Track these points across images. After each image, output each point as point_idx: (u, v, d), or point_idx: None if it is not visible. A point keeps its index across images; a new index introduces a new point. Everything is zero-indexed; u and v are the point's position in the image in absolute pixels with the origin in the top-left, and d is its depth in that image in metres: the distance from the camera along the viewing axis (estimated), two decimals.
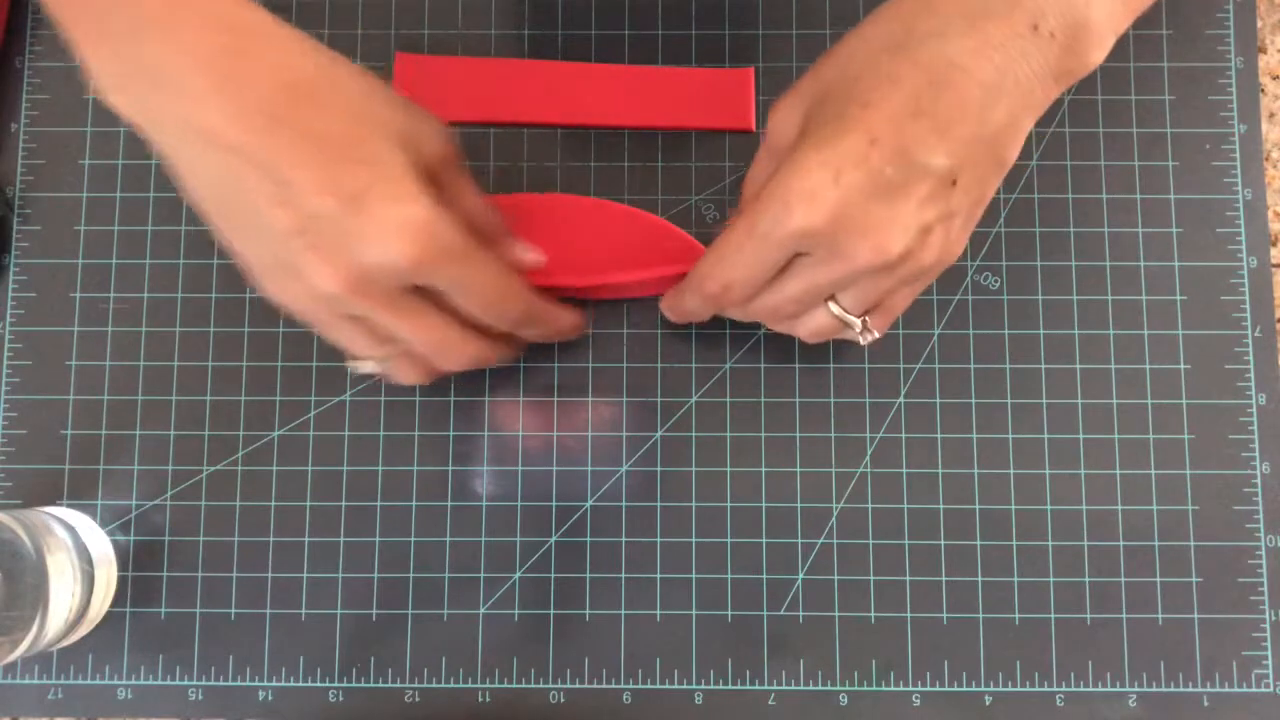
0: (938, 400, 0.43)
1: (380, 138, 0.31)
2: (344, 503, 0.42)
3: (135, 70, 0.30)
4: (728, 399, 0.43)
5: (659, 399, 0.43)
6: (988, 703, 0.41)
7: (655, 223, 0.42)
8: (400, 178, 0.31)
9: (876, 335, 0.36)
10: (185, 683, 0.42)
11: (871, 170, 0.30)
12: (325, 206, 0.30)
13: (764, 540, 0.42)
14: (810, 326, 0.36)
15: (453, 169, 0.34)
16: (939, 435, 0.43)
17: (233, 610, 0.42)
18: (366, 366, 0.36)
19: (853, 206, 0.30)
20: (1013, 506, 0.42)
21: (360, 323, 0.34)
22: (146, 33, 0.29)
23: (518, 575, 0.42)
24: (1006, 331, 0.43)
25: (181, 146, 0.31)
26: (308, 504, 0.42)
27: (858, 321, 0.35)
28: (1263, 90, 0.44)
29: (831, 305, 0.35)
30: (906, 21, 0.31)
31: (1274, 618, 0.41)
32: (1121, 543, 0.42)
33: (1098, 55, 0.32)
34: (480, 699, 0.41)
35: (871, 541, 0.42)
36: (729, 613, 0.42)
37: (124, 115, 0.31)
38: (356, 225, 0.30)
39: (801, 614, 0.42)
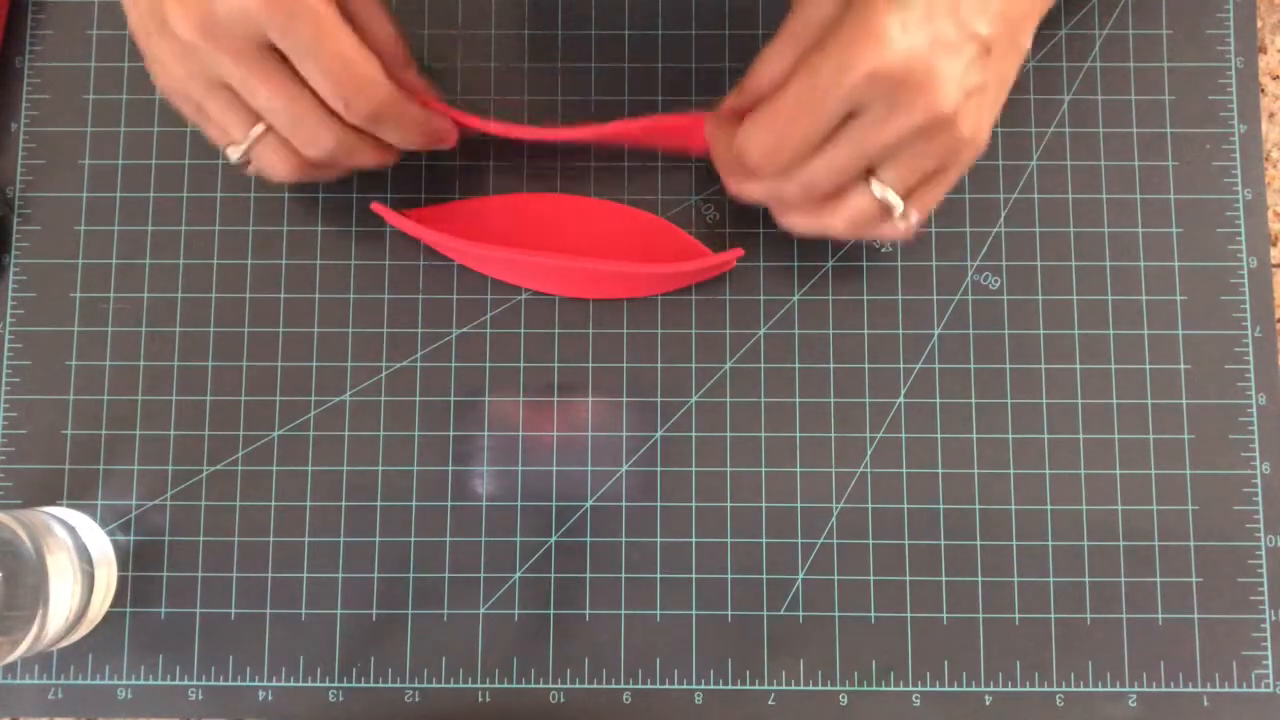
0: (938, 400, 0.43)
1: None
2: (344, 503, 0.42)
3: None
4: (728, 399, 0.43)
5: (659, 399, 0.43)
6: (988, 703, 0.41)
7: (654, 221, 0.43)
8: None
9: (916, 218, 0.36)
10: (185, 683, 0.42)
11: (934, 26, 0.32)
12: None
13: (764, 540, 0.42)
14: (848, 213, 0.36)
15: None
16: (939, 435, 0.43)
17: (233, 610, 0.42)
18: (235, 152, 0.37)
19: (916, 56, 0.32)
20: (1013, 506, 0.42)
21: (225, 92, 0.35)
22: None
23: (518, 575, 0.42)
24: (1006, 331, 0.43)
25: None
26: (308, 504, 0.42)
27: (899, 201, 0.35)
28: (1263, 90, 0.44)
29: (874, 184, 0.35)
30: None
31: (1274, 618, 0.41)
32: (1121, 543, 0.42)
33: None
34: (480, 699, 0.41)
35: (871, 541, 0.42)
36: (729, 613, 0.42)
37: None
38: None
39: (801, 614, 0.42)
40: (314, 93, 0.35)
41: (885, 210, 0.36)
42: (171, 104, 0.37)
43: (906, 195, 0.36)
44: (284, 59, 0.34)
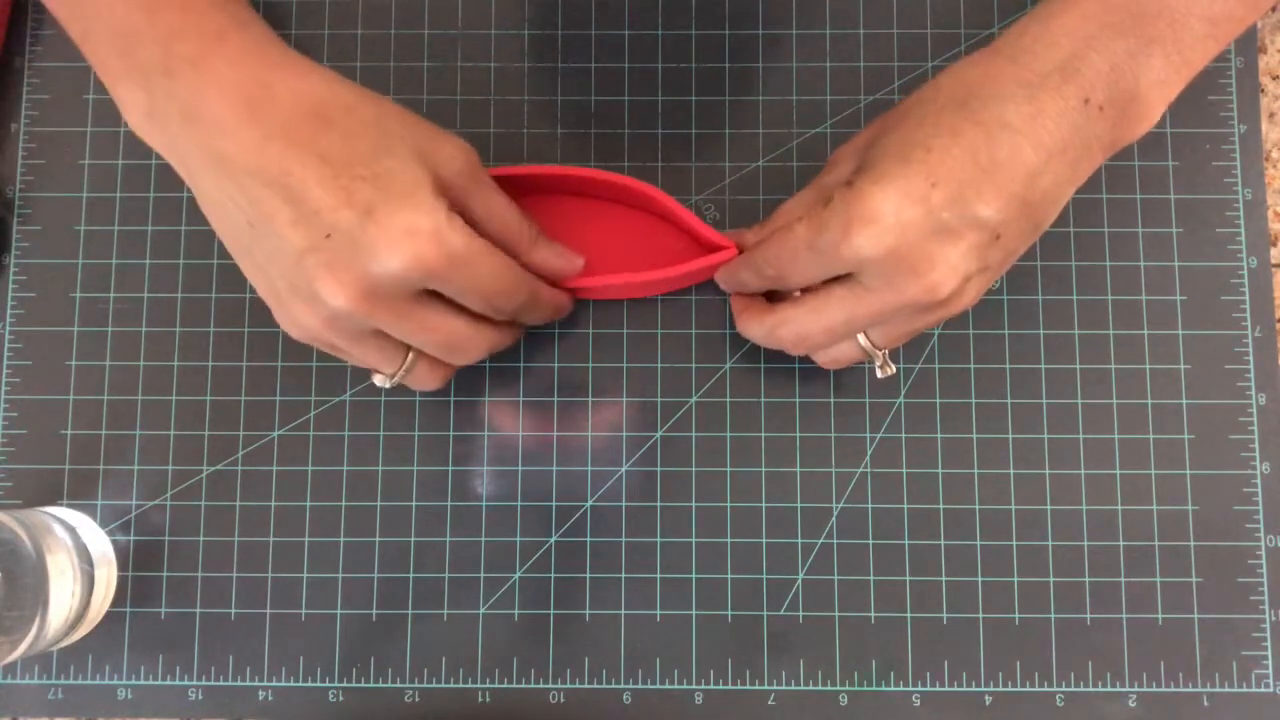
0: (938, 400, 0.43)
1: (393, 155, 0.32)
2: (344, 503, 0.42)
3: (166, 105, 0.31)
4: (728, 399, 0.43)
5: (659, 399, 0.43)
6: (988, 703, 0.41)
7: (651, 220, 0.42)
8: (411, 189, 0.31)
9: (893, 370, 0.38)
10: (185, 683, 0.42)
11: (930, 210, 0.31)
12: (340, 221, 0.30)
13: (764, 540, 0.42)
14: (833, 354, 0.38)
15: (474, 181, 0.35)
16: (939, 435, 0.43)
17: (233, 610, 0.42)
18: (386, 382, 0.37)
19: (909, 243, 0.31)
20: (1013, 506, 0.42)
21: (376, 336, 0.34)
22: (179, 70, 0.31)
23: (518, 575, 0.42)
24: (1006, 331, 0.43)
25: (207, 175, 0.32)
26: (308, 504, 0.42)
27: (880, 354, 0.37)
28: (1263, 90, 0.44)
29: (860, 336, 0.36)
30: (969, 85, 0.33)
31: (1274, 618, 0.41)
32: (1121, 543, 0.42)
33: (1145, 126, 0.34)
34: (480, 699, 0.41)
35: (871, 541, 0.42)
36: (729, 613, 0.42)
37: (153, 145, 0.33)
38: (367, 237, 0.30)
39: (801, 614, 0.42)
40: (466, 313, 0.35)
41: (864, 356, 0.37)
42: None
43: (883, 346, 0.37)
44: (435, 295, 0.34)
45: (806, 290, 0.37)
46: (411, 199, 0.31)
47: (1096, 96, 0.32)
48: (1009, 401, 0.43)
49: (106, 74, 0.32)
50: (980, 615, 0.42)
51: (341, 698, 0.42)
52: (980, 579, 0.42)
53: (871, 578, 0.42)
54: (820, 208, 0.33)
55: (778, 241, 0.35)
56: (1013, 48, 0.33)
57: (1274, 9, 0.45)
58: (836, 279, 0.35)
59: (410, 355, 0.36)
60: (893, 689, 0.41)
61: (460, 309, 0.35)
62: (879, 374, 0.38)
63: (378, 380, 0.37)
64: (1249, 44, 0.44)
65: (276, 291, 0.33)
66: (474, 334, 0.36)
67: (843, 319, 0.35)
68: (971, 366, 0.43)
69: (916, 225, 0.31)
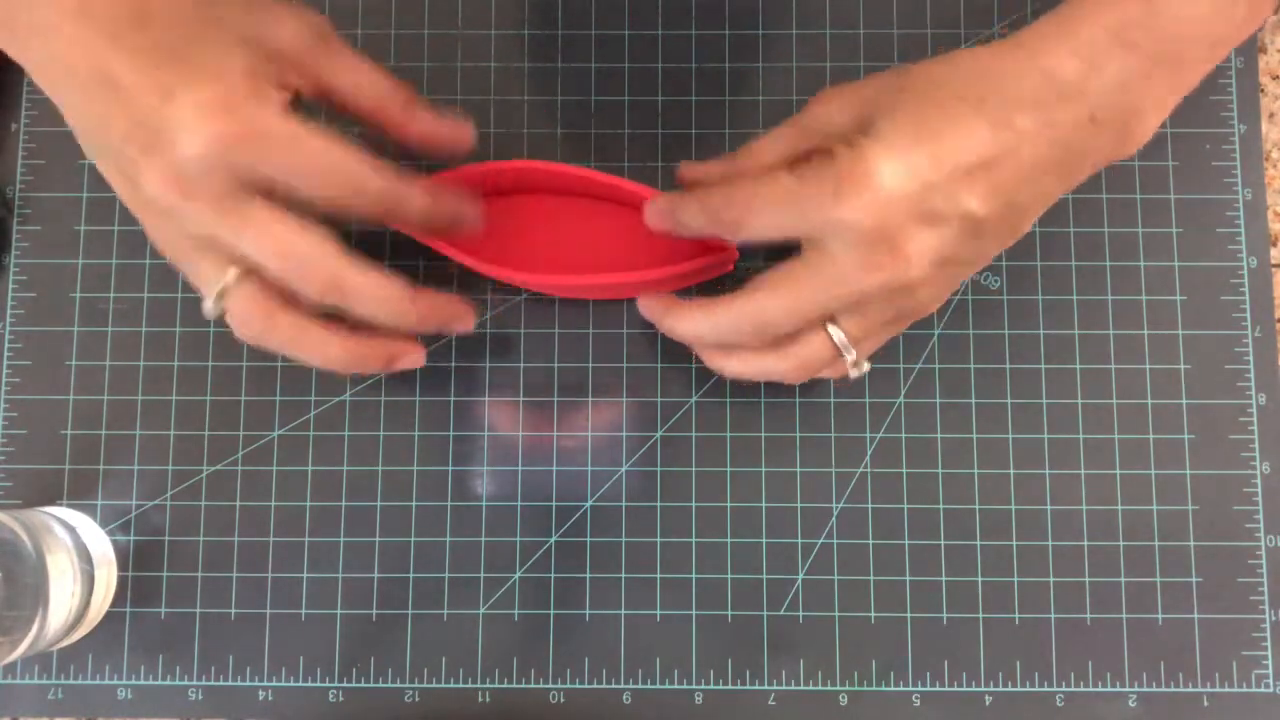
0: (938, 400, 0.43)
1: (208, 41, 0.32)
2: (344, 503, 0.42)
3: (17, 17, 0.32)
4: (728, 399, 0.43)
5: (659, 399, 0.43)
6: (988, 703, 0.41)
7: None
8: (217, 70, 0.31)
9: (866, 369, 0.37)
10: (185, 683, 0.42)
11: (925, 191, 0.31)
12: (145, 106, 0.31)
13: (764, 540, 0.42)
14: (802, 355, 0.35)
15: (324, 51, 0.35)
16: (939, 435, 0.43)
17: (233, 610, 0.42)
18: (211, 305, 0.34)
19: (897, 215, 0.31)
20: (1013, 506, 0.42)
21: (211, 248, 0.33)
22: None
23: (518, 575, 0.42)
24: (1006, 331, 0.43)
25: (53, 81, 0.33)
26: (308, 504, 0.42)
27: (853, 351, 0.35)
28: (1263, 90, 0.44)
29: (832, 330, 0.35)
30: (987, 78, 0.33)
31: (1274, 618, 0.41)
32: (1121, 543, 0.42)
33: (1138, 145, 0.34)
34: (480, 699, 0.41)
35: (871, 541, 0.42)
36: (729, 613, 0.42)
37: (11, 55, 0.33)
38: (168, 117, 0.31)
39: (801, 614, 0.42)
40: (311, 224, 0.33)
41: (836, 355, 0.35)
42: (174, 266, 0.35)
43: (856, 342, 0.35)
44: (272, 198, 0.32)
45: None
46: (213, 76, 0.31)
47: (1102, 113, 0.32)
48: (1009, 401, 0.43)
49: None
50: (980, 615, 0.42)
51: (341, 698, 0.42)
52: (980, 579, 0.42)
53: (871, 578, 0.42)
54: (806, 160, 0.33)
55: (749, 186, 0.34)
56: (1033, 48, 0.33)
57: (1275, 10, 0.45)
58: (796, 257, 0.34)
59: (233, 273, 0.33)
60: (893, 689, 0.41)
61: (304, 219, 0.33)
62: (851, 373, 0.36)
63: (206, 307, 0.34)
64: (1249, 44, 0.44)
65: (124, 193, 0.34)
66: (316, 252, 0.32)
67: (809, 295, 0.33)
68: (971, 366, 0.43)
69: (909, 201, 0.31)
